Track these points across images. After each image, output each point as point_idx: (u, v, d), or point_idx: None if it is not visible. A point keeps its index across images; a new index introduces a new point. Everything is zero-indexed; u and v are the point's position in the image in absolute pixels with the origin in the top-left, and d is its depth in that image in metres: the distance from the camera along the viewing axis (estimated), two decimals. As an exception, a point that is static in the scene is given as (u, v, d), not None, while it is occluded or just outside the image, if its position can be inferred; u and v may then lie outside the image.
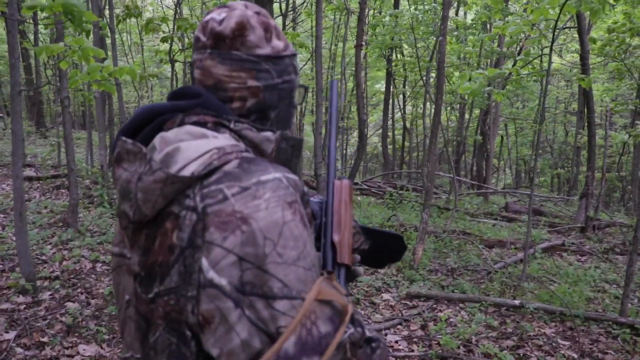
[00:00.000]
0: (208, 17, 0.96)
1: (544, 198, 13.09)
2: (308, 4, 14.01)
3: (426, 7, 10.92)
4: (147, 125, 0.92)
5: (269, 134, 0.92)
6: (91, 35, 5.70)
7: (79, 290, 4.55)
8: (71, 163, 5.91)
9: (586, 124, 13.98)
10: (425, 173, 11.44)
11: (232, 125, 0.91)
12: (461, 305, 5.04)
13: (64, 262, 5.15)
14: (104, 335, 3.71)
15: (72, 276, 4.85)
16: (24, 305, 4.08)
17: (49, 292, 4.39)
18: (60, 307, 4.15)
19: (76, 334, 3.74)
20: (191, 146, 0.83)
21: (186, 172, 0.80)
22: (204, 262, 0.75)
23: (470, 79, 5.40)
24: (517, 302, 4.97)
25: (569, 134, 18.53)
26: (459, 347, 4.07)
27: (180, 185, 0.80)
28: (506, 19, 4.94)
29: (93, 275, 4.95)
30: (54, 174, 9.22)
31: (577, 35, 11.72)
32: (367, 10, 7.22)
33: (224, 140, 0.86)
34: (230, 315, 0.74)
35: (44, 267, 4.96)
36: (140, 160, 0.82)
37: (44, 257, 5.22)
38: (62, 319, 3.91)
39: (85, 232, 6.19)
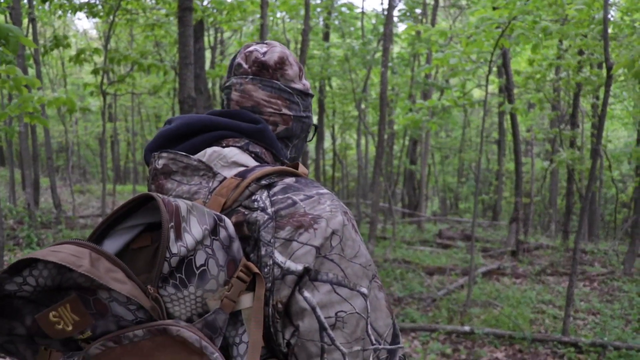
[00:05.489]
0: (251, 48, 1.09)
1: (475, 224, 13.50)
2: (237, 38, 14.03)
3: (354, 42, 11.16)
4: (193, 134, 1.01)
5: None
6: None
7: None
8: (-7, 203, 5.43)
9: (508, 152, 14.73)
10: (369, 203, 11.57)
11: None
12: (413, 334, 5.02)
13: (-12, 312, 4.65)
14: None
15: None
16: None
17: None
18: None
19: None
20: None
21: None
22: (278, 256, 0.86)
23: (410, 110, 5.51)
24: (467, 328, 5.02)
25: (490, 161, 19.42)
26: (418, 378, 4.02)
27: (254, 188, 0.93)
28: (445, 51, 5.11)
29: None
30: (-33, 216, 8.48)
31: (495, 68, 12.39)
32: (308, 41, 7.26)
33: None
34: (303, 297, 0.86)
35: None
36: (206, 177, 0.95)
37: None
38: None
39: (9, 277, 5.65)
